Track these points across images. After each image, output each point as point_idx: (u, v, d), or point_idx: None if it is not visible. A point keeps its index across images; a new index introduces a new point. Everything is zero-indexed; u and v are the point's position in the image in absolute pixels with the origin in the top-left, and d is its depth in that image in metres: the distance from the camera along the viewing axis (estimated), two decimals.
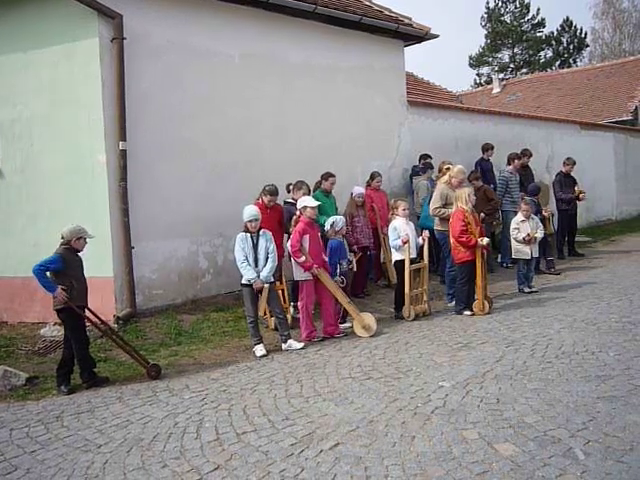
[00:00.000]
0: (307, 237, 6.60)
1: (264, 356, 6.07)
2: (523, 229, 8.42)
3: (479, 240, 7.12)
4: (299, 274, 6.68)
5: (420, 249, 7.55)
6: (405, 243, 7.13)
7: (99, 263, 6.92)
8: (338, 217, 7.25)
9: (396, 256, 7.38)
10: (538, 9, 50.84)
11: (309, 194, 7.63)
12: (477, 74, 52.63)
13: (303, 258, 6.52)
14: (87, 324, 5.66)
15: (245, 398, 4.86)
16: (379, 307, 8.03)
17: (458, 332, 6.45)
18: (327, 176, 8.26)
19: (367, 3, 10.89)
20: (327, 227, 7.11)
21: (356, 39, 10.19)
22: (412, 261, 7.24)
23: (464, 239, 7.08)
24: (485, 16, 51.63)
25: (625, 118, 24.09)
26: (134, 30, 7.34)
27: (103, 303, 6.86)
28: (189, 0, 8.06)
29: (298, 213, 6.91)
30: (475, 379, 4.85)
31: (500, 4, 51.49)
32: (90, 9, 7.00)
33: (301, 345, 6.32)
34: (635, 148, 19.44)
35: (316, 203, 6.80)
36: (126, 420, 4.61)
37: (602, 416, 3.95)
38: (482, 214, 9.50)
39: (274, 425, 4.26)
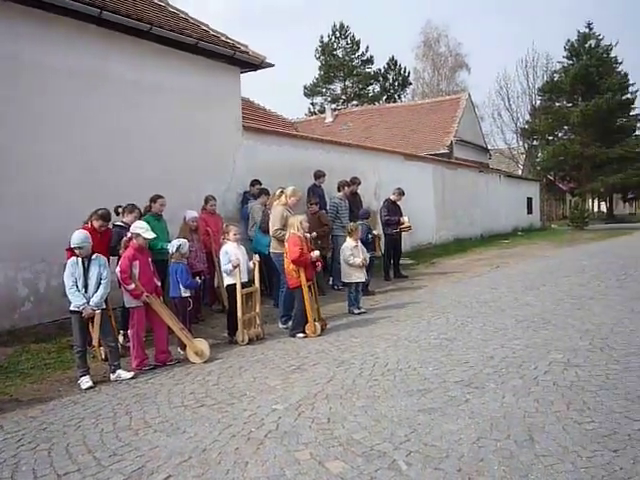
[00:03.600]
0: (137, 263, 6.38)
1: (90, 388, 5.72)
2: (357, 253, 8.82)
3: (311, 255, 7.41)
4: (129, 301, 6.43)
5: (252, 273, 7.62)
6: (236, 267, 7.17)
7: None
8: (183, 240, 7.13)
9: (227, 280, 7.38)
10: (367, 47, 54.30)
11: (140, 218, 7.39)
12: (311, 103, 54.80)
13: (133, 285, 6.28)
14: None
15: (68, 435, 4.53)
16: (213, 332, 7.95)
17: (291, 354, 6.57)
18: (156, 198, 8.07)
19: (204, 28, 10.92)
20: (172, 250, 6.96)
21: (193, 62, 10.17)
22: (244, 285, 7.29)
23: (303, 258, 7.31)
24: (319, 49, 53.96)
25: (442, 151, 26.33)
26: None
27: None
28: (17, 12, 7.55)
29: (129, 235, 6.65)
30: (307, 400, 4.96)
31: (333, 39, 54.16)
32: None
33: (131, 374, 6.05)
34: (450, 179, 21.30)
35: (152, 235, 6.58)
36: None
37: (422, 427, 4.22)
38: (314, 233, 9.86)
39: (100, 462, 4.02)
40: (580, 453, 3.68)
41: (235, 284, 7.20)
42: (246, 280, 7.41)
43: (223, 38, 10.94)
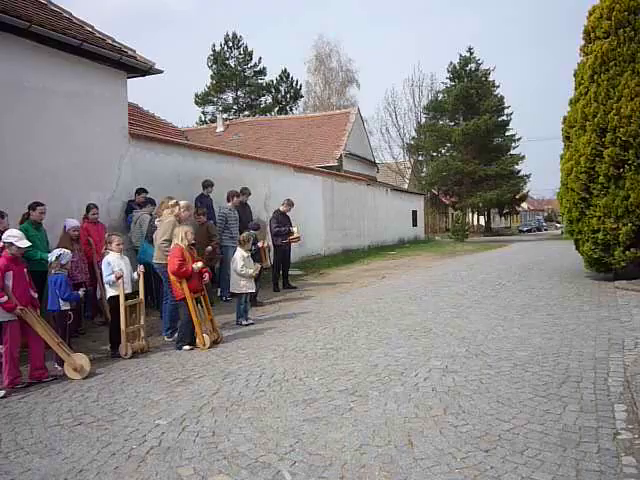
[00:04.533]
0: (10, 274, 5.99)
1: None
2: (249, 264, 8.77)
3: (193, 266, 7.26)
4: (1, 314, 6.01)
5: (136, 284, 7.39)
6: (119, 278, 6.93)
7: None
8: (64, 250, 6.78)
9: (110, 292, 7.10)
10: (260, 58, 54.42)
11: (16, 226, 6.97)
12: (202, 112, 54.07)
13: (5, 298, 5.89)
14: None
15: None
16: (94, 346, 7.61)
17: (176, 367, 6.43)
18: (35, 205, 7.65)
19: (89, 29, 10.51)
20: (51, 259, 6.60)
21: (76, 64, 9.73)
22: (128, 296, 7.05)
23: (183, 270, 7.15)
24: (212, 57, 53.47)
25: (332, 164, 26.81)
26: None
27: None
28: None
29: (1, 245, 6.25)
30: (192, 414, 4.86)
31: (226, 48, 53.84)
32: None
33: (2, 393, 5.66)
34: (340, 191, 21.75)
35: (26, 244, 6.20)
36: None
37: (307, 437, 4.27)
38: (209, 247, 9.75)
39: None
40: (455, 454, 3.86)
41: (118, 296, 6.95)
42: (130, 291, 7.17)
43: (109, 41, 10.57)
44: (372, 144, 38.66)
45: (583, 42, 12.68)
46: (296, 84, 55.15)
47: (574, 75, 12.87)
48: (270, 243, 12.22)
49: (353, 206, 22.98)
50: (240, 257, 8.71)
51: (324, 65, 55.52)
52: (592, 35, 12.21)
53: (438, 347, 6.77)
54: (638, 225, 10.98)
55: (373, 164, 35.09)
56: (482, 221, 58.88)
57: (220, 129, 34.14)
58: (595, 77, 11.74)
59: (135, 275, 7.32)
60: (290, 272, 13.35)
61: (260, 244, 10.21)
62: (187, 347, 7.26)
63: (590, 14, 12.48)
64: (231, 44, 53.79)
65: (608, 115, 11.17)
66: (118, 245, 7.23)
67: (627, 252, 11.19)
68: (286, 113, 50.29)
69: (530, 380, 5.33)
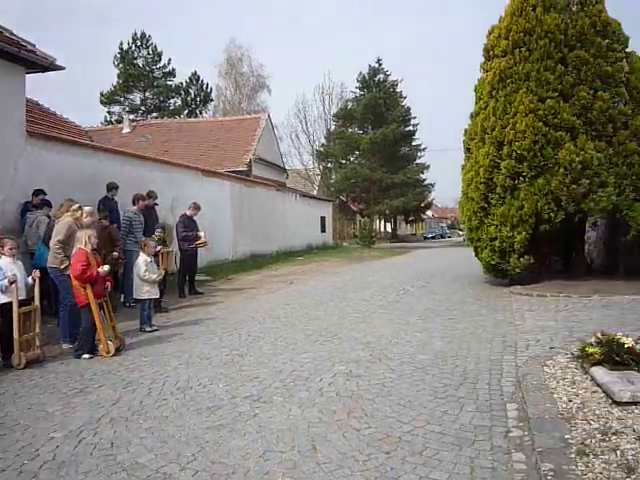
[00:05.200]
0: None
1: None
2: (152, 269, 8.54)
3: (99, 269, 7.01)
4: None
5: (31, 290, 7.02)
6: (12, 284, 6.57)
7: None
8: None
9: (2, 299, 6.71)
10: (169, 59, 53.30)
11: None
12: (108, 112, 52.18)
13: None
14: None
15: None
16: None
17: (74, 377, 6.16)
18: None
19: None
20: None
21: None
22: (22, 303, 6.69)
23: (87, 275, 6.87)
24: (119, 56, 51.78)
25: (241, 169, 26.64)
26: None
27: None
28: None
29: None
30: (89, 425, 4.67)
31: (134, 47, 52.32)
32: None
33: None
34: (249, 196, 21.67)
35: None
36: None
37: (210, 445, 4.21)
38: (115, 253, 9.43)
39: None
40: (357, 457, 3.92)
41: (11, 302, 6.57)
42: (24, 298, 6.81)
43: (7, 34, 10.03)
44: (282, 150, 38.81)
45: (483, 59, 13.33)
46: (206, 87, 54.40)
47: (475, 90, 13.51)
48: (177, 248, 11.98)
49: (262, 211, 22.94)
50: (143, 262, 8.48)
51: (235, 69, 55.16)
52: (491, 53, 12.86)
53: (343, 352, 6.87)
54: (531, 233, 11.64)
55: (283, 170, 35.17)
56: (389, 228, 60.35)
57: (126, 130, 33.10)
58: (494, 93, 12.36)
59: (30, 280, 6.96)
60: (197, 277, 13.14)
61: (158, 249, 9.89)
62: (87, 356, 6.97)
63: (490, 33, 13.15)
64: (140, 43, 52.33)
65: (505, 129, 11.79)
66: (11, 249, 6.85)
67: (521, 259, 11.83)
68: (196, 116, 49.52)
69: (430, 382, 5.51)
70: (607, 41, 12.05)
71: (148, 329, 8.47)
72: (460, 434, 4.25)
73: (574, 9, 12.33)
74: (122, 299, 10.71)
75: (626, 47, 12.31)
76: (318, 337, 7.77)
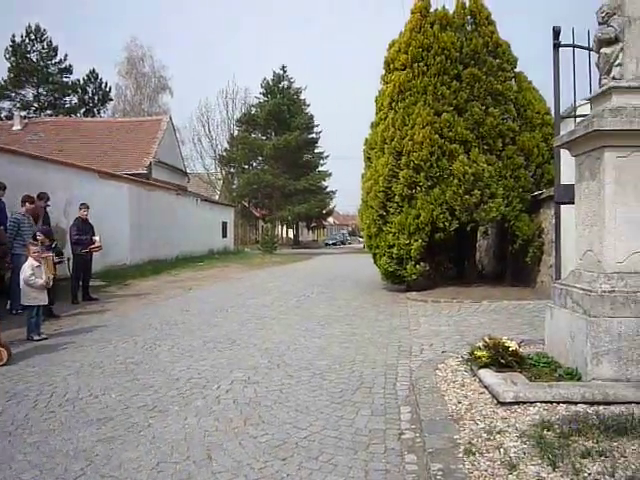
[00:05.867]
0: None
1: None
2: (39, 274, 8.11)
3: None
4: None
5: None
6: None
7: None
8: None
9: None
10: (66, 55, 51.01)
11: None
12: None
13: None
14: None
15: None
16: None
17: None
18: None
19: None
20: None
21: None
22: None
23: None
24: (10, 49, 48.92)
25: (141, 171, 25.92)
26: None
27: None
28: None
29: None
30: None
31: (27, 41, 49.65)
32: None
33: None
34: (148, 199, 21.10)
35: None
36: None
37: (100, 458, 4.04)
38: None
39: None
40: (253, 465, 3.90)
41: None
42: None
43: None
44: (184, 154, 38.14)
45: (384, 71, 13.72)
46: (105, 86, 52.55)
47: (375, 101, 13.87)
48: (69, 252, 11.46)
49: (162, 215, 22.41)
50: (29, 266, 8.04)
51: (136, 69, 53.64)
52: (391, 66, 13.26)
53: (241, 359, 6.82)
54: (427, 241, 12.08)
55: (184, 174, 34.53)
56: (291, 234, 60.66)
57: (17, 127, 31.29)
58: (393, 104, 12.74)
59: None
60: (91, 283, 12.62)
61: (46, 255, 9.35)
62: None
63: (390, 47, 13.56)
64: (33, 37, 49.72)
65: (403, 140, 12.18)
66: None
67: (417, 266, 12.24)
68: (93, 116, 47.69)
69: (327, 388, 5.58)
70: (498, 61, 12.74)
71: (36, 337, 8.04)
72: (355, 438, 4.33)
73: (469, 29, 12.96)
74: (8, 306, 10.10)
75: (515, 67, 13.07)
76: (216, 344, 7.68)
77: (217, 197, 46.30)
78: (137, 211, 19.94)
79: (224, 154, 51.62)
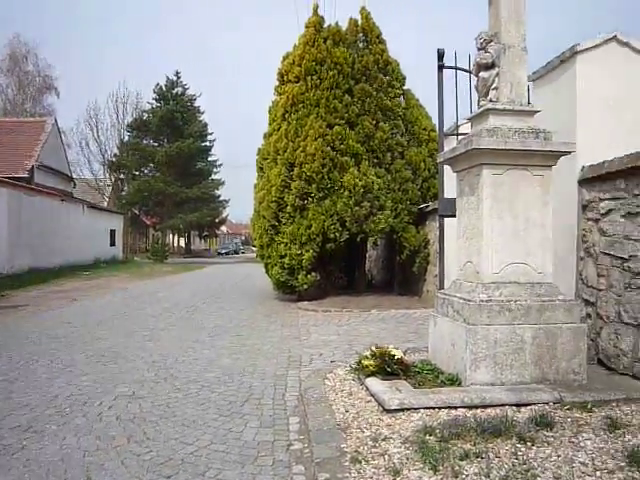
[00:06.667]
0: None
1: None
2: None
3: None
4: None
5: None
6: None
7: None
8: None
9: None
10: None
11: None
12: None
13: None
14: None
15: None
16: None
17: None
18: None
19: None
20: None
21: None
22: None
23: None
24: None
25: (21, 175, 24.48)
26: None
27: None
28: None
29: None
30: None
31: None
32: None
33: None
34: (29, 205, 19.94)
35: None
36: None
37: None
38: None
39: None
40: None
41: None
42: None
43: None
44: (70, 158, 36.29)
45: (277, 83, 13.82)
46: None
47: (269, 111, 13.93)
48: None
49: (44, 222, 21.26)
50: None
51: (19, 67, 50.58)
52: (285, 78, 13.38)
53: (127, 372, 6.57)
54: (318, 252, 12.24)
55: (70, 179, 32.92)
56: (182, 243, 59.39)
57: None
58: (286, 116, 12.84)
59: None
60: None
61: None
62: None
63: (284, 59, 13.69)
64: None
65: (296, 151, 12.30)
66: None
67: (309, 276, 12.37)
68: None
69: (216, 401, 5.49)
70: (388, 78, 13.21)
71: None
72: (244, 451, 4.28)
73: (361, 46, 13.36)
74: None
75: (403, 85, 13.61)
76: (100, 358, 7.35)
77: (105, 204, 44.47)
78: (16, 218, 18.80)
79: (114, 160, 49.67)
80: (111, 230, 32.39)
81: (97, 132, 50.18)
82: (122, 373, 6.55)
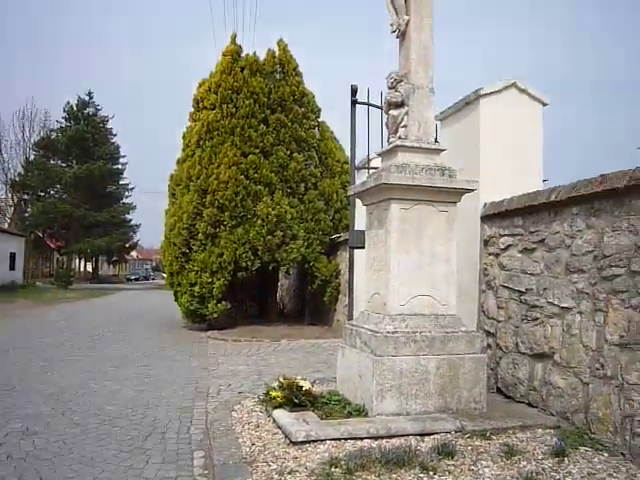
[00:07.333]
0: None
1: None
2: None
3: None
4: None
5: None
6: None
7: None
8: None
9: None
10: None
11: None
12: None
13: None
14: None
15: None
16: None
17: None
18: None
19: None
20: None
21: None
22: None
23: None
24: None
25: None
26: None
27: None
28: None
29: None
30: None
31: None
32: None
33: None
34: None
35: None
36: None
37: None
38: None
39: None
40: None
41: None
42: None
43: None
44: None
45: (193, 109, 13.73)
46: None
47: (183, 137, 13.80)
48: None
49: None
50: None
51: None
52: (201, 104, 13.33)
53: (21, 407, 6.18)
54: (230, 280, 12.12)
55: None
56: (90, 268, 57.14)
57: None
58: (201, 142, 12.77)
59: None
60: None
61: None
62: None
63: (200, 85, 13.66)
64: None
65: (209, 179, 12.22)
66: None
67: (219, 304, 12.21)
68: None
69: (117, 436, 5.26)
70: (303, 109, 13.42)
71: None
72: None
73: (277, 77, 13.53)
74: None
75: (318, 117, 13.87)
76: None
77: (7, 225, 42.21)
78: None
79: (17, 179, 47.36)
80: (11, 253, 30.76)
81: (0, 150, 47.80)
82: (15, 407, 6.16)
